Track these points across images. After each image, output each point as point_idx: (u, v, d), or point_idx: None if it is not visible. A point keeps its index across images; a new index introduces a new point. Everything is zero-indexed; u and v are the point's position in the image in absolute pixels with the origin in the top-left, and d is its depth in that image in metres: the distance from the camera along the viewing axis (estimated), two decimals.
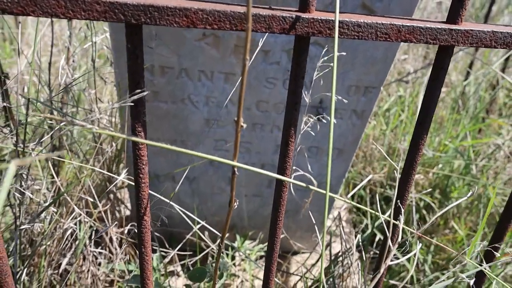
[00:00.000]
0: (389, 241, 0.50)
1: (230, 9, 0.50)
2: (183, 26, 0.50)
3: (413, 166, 0.67)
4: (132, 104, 0.56)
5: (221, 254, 1.28)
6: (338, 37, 0.53)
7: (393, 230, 0.58)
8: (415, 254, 0.53)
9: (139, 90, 0.54)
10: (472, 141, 1.61)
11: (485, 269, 0.71)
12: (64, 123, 0.39)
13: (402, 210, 0.56)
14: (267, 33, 0.93)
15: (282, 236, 1.40)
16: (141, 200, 0.63)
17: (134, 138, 0.46)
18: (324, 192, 0.54)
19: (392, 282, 1.30)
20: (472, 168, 1.60)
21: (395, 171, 1.71)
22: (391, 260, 0.53)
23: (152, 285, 0.73)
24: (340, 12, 0.54)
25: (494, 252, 0.75)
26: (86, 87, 1.12)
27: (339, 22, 0.53)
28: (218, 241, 0.66)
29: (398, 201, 0.62)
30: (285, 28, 0.52)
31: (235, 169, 0.52)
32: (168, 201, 0.97)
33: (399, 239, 0.51)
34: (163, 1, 0.49)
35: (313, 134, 1.13)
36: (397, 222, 0.56)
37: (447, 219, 1.61)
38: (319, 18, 0.52)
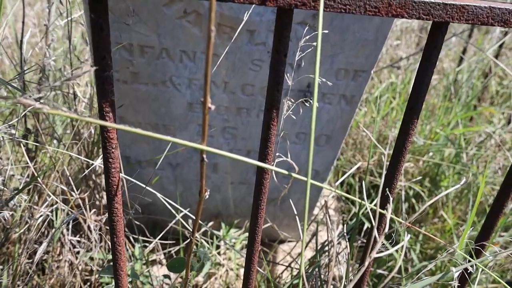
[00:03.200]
0: (375, 231, 0.46)
1: None
2: None
3: (403, 153, 0.63)
4: (99, 82, 0.51)
5: (206, 243, 1.24)
6: (324, 10, 0.49)
7: (380, 220, 0.55)
8: (403, 246, 0.49)
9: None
10: (463, 129, 1.58)
11: (474, 265, 0.69)
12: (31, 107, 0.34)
13: (391, 199, 0.52)
14: (252, 7, 0.88)
15: (268, 224, 1.37)
16: (111, 186, 0.59)
17: (100, 122, 0.41)
18: (305, 179, 0.50)
19: (379, 271, 1.28)
20: (463, 157, 1.58)
21: (383, 158, 1.68)
22: (378, 252, 0.50)
23: (126, 277, 0.69)
24: None
25: (484, 244, 0.72)
26: (62, 68, 1.06)
27: None
28: (189, 237, 0.62)
29: (386, 189, 0.58)
30: None
31: (204, 155, 0.47)
32: (147, 187, 0.93)
33: (387, 230, 0.48)
34: None
35: (300, 119, 1.09)
36: (384, 212, 0.53)
37: (436, 208, 1.60)
38: None
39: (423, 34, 2.27)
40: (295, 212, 1.12)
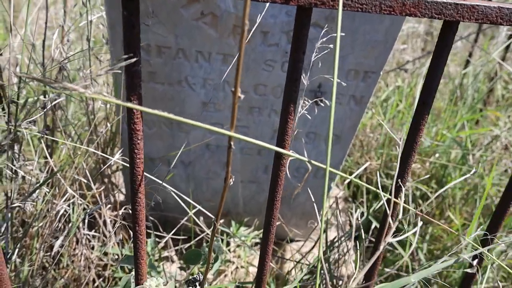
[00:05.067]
0: (389, 219, 0.49)
1: None
2: None
3: (413, 147, 0.66)
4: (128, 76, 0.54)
5: (216, 237, 1.27)
6: (342, 9, 0.52)
7: (394, 207, 0.57)
8: (415, 233, 0.52)
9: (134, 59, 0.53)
10: (470, 131, 1.61)
11: (482, 253, 0.71)
12: (56, 87, 0.37)
13: (403, 188, 0.55)
14: (265, 9, 0.92)
15: (277, 223, 1.39)
16: (135, 176, 0.62)
17: (129, 104, 0.44)
18: (324, 166, 0.53)
19: (387, 270, 1.30)
20: (469, 159, 1.60)
21: (391, 160, 1.71)
22: (391, 238, 0.52)
23: (146, 265, 0.72)
24: None
25: (492, 237, 0.74)
26: (81, 67, 1.09)
27: None
28: (213, 222, 0.64)
29: (399, 180, 0.61)
30: None
31: (232, 142, 0.50)
32: (161, 182, 0.96)
33: (400, 216, 0.50)
34: None
35: (310, 118, 1.11)
36: (397, 201, 0.55)
37: (443, 209, 1.61)
38: None
39: (429, 38, 2.30)
40: (309, 207, 1.14)
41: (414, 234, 0.64)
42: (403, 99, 1.92)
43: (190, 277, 0.64)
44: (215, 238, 1.18)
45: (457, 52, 2.29)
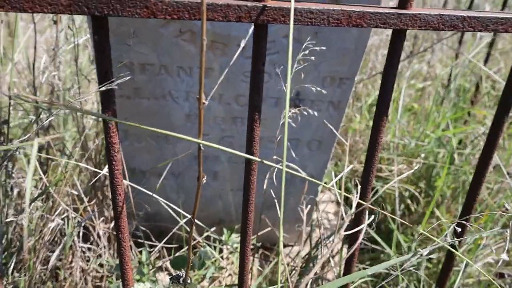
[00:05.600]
0: (342, 213, 0.53)
1: (188, 0, 0.53)
2: (144, 16, 0.53)
3: (376, 146, 0.70)
4: (104, 93, 0.59)
5: (208, 244, 1.31)
6: (294, 23, 0.57)
7: (362, 209, 0.61)
8: (371, 225, 0.56)
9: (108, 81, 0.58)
10: (454, 129, 1.64)
11: (453, 246, 0.75)
12: (42, 106, 0.42)
13: (369, 189, 0.59)
14: (240, 27, 0.97)
15: (268, 229, 1.43)
16: (115, 186, 0.66)
17: (105, 116, 0.49)
18: (300, 175, 0.57)
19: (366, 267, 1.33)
20: (455, 158, 1.64)
21: (380, 162, 1.74)
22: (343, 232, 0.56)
23: (132, 271, 0.76)
24: (298, 1, 0.57)
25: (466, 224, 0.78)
26: (71, 87, 1.15)
27: (294, 9, 0.56)
28: (190, 219, 0.69)
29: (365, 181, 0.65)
30: (240, 16, 0.55)
31: (201, 145, 0.55)
32: (152, 195, 1.00)
33: (370, 221, 0.54)
34: None
35: (291, 126, 1.16)
36: (362, 202, 0.59)
37: (432, 209, 1.64)
38: (272, 6, 0.55)
39: (415, 44, 2.35)
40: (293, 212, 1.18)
41: (370, 225, 0.68)
42: (391, 101, 1.97)
43: (174, 274, 0.69)
44: (205, 245, 1.22)
45: (443, 54, 2.34)
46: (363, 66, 2.21)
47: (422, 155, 1.60)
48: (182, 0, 0.53)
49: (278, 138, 1.20)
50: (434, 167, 1.64)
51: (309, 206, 1.41)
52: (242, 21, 0.55)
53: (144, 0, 0.52)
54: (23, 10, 0.51)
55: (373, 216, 0.68)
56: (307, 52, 0.93)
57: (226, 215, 1.43)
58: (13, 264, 0.97)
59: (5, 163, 0.90)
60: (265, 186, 1.03)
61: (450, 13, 0.60)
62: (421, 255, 0.64)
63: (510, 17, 0.61)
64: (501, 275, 1.37)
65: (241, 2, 0.55)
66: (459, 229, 0.76)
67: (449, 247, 0.80)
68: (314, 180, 0.70)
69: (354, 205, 0.70)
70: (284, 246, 1.53)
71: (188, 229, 1.15)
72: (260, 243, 1.50)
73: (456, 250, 0.83)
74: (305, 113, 1.15)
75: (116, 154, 0.64)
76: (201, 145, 0.57)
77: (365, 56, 2.25)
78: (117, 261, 1.16)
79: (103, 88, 0.58)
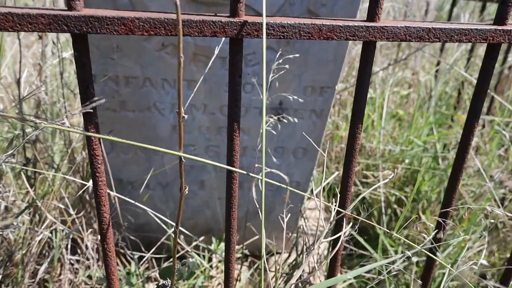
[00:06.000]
0: (321, 221, 0.55)
1: (164, 16, 0.56)
2: (122, 33, 0.55)
3: (353, 153, 0.72)
4: (86, 108, 0.61)
5: (198, 256, 1.32)
6: (266, 37, 0.59)
7: (342, 216, 0.63)
8: (347, 232, 0.58)
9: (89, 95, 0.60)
10: (437, 134, 1.68)
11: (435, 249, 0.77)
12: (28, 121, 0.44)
13: (348, 199, 0.61)
14: (222, 40, 1.00)
15: (257, 237, 1.44)
16: (99, 197, 0.68)
17: (87, 133, 0.51)
18: (283, 186, 0.59)
19: (363, 274, 1.35)
20: (439, 162, 1.67)
21: (367, 168, 1.77)
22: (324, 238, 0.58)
23: (117, 280, 0.77)
24: (271, 16, 0.60)
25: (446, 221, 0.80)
26: (57, 101, 1.17)
27: (266, 24, 0.59)
28: (174, 228, 0.70)
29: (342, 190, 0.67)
30: (216, 32, 0.58)
31: (182, 157, 0.57)
32: (140, 206, 1.02)
33: (348, 228, 0.56)
34: (102, 12, 0.55)
35: (276, 135, 1.18)
36: (341, 210, 0.61)
37: (419, 214, 1.67)
38: (246, 21, 0.58)
39: (401, 51, 2.40)
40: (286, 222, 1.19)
41: (355, 230, 0.70)
42: (376, 109, 2.01)
43: (160, 283, 0.70)
44: (193, 255, 1.23)
45: (426, 61, 2.40)
46: (348, 74, 2.25)
47: (407, 160, 1.63)
48: (158, 17, 0.55)
49: (259, 147, 1.23)
50: (419, 172, 1.68)
51: (292, 215, 1.43)
52: (218, 36, 0.58)
53: (122, 17, 0.54)
54: (4, 29, 0.53)
55: (351, 224, 0.70)
56: (281, 61, 0.96)
57: (214, 224, 1.45)
58: (0, 278, 0.97)
59: None
60: (254, 194, 1.05)
61: (416, 25, 0.63)
62: (408, 257, 0.66)
63: (472, 28, 0.64)
64: (483, 276, 1.40)
65: (216, 18, 0.57)
66: (437, 235, 0.78)
67: (427, 252, 0.82)
68: (296, 191, 0.72)
69: (333, 213, 0.73)
70: (274, 253, 1.54)
71: (177, 238, 1.17)
72: (248, 251, 1.51)
73: (436, 252, 0.85)
74: (285, 121, 1.17)
75: (99, 165, 0.65)
76: (183, 157, 0.59)
77: (350, 64, 2.29)
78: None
79: (86, 107, 0.60)
